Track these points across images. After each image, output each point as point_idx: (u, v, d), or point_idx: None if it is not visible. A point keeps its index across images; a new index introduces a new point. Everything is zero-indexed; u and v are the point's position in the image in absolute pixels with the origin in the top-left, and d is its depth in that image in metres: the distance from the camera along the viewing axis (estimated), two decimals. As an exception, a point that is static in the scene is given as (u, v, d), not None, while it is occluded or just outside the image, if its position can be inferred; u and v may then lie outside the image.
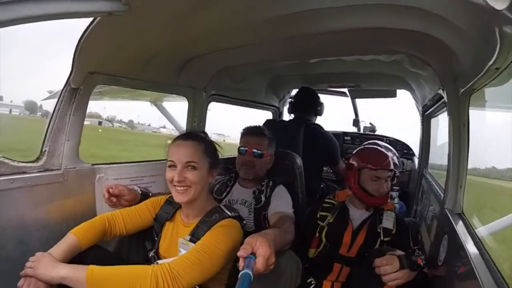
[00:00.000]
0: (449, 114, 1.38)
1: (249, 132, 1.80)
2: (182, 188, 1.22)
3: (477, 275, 0.82)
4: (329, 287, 1.55)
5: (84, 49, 1.24)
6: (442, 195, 1.52)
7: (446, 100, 1.42)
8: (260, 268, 0.95)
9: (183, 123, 2.33)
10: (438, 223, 1.49)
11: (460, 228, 1.16)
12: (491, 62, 0.86)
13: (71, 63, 1.32)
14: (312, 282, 1.54)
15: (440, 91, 1.53)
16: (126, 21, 1.10)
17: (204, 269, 1.10)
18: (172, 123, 2.90)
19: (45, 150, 1.39)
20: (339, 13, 1.25)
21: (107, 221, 1.31)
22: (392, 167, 1.61)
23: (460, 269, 0.98)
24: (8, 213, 1.26)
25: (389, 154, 1.66)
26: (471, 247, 0.98)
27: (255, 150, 1.72)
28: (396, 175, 1.62)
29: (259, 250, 0.97)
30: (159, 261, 1.23)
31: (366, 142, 1.79)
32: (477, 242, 1.03)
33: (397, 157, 1.69)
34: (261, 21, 1.32)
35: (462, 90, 1.27)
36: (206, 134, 1.39)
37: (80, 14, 0.99)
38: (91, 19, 1.10)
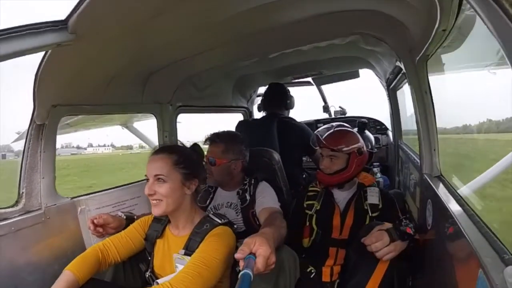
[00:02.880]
0: (410, 84, 1.54)
1: (207, 140, 1.90)
2: (155, 201, 1.31)
3: (464, 233, 0.91)
4: (329, 273, 1.64)
5: (43, 83, 1.32)
6: (419, 161, 1.68)
7: (404, 71, 1.58)
8: (260, 268, 1.00)
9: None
10: (420, 189, 1.63)
11: (441, 190, 1.28)
12: (436, 26, 1.01)
13: (32, 99, 1.41)
14: (312, 271, 1.61)
15: (398, 63, 1.70)
16: (78, 49, 1.20)
17: (204, 281, 1.17)
18: (146, 142, 2.99)
19: (22, 192, 1.45)
20: (289, 4, 1.39)
21: (100, 251, 1.37)
22: (333, 147, 1.73)
23: (448, 230, 1.07)
24: None
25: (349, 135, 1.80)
26: (454, 206, 1.09)
27: (209, 158, 1.82)
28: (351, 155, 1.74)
29: (259, 250, 1.02)
30: (159, 281, 1.31)
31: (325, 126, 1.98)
32: (459, 200, 1.14)
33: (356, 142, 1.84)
34: (216, 22, 1.45)
35: (417, 58, 1.41)
36: (183, 145, 1.48)
37: (29, 50, 1.08)
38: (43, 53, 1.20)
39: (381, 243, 1.29)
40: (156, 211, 1.32)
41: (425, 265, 1.36)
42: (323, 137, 1.79)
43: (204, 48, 1.80)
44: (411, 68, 1.53)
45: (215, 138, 1.87)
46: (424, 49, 1.30)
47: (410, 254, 1.35)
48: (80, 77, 1.48)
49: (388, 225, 1.38)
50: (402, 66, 1.62)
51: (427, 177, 1.50)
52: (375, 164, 2.80)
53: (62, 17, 1.06)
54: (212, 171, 1.83)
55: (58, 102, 1.52)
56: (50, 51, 1.17)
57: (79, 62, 1.37)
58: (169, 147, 1.41)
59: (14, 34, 1.00)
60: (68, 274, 1.24)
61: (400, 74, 2.00)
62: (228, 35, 1.69)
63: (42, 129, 1.52)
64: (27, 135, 1.48)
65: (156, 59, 1.77)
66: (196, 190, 1.39)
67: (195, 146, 1.51)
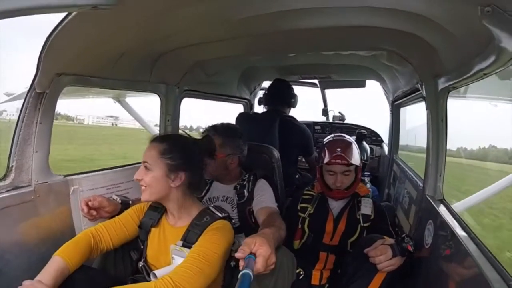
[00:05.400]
0: (427, 109, 1.52)
1: (205, 133, 1.78)
2: (142, 187, 1.27)
3: (470, 255, 0.95)
4: (319, 276, 1.65)
5: (52, 48, 1.16)
6: (418, 181, 1.70)
7: (424, 95, 1.55)
8: (260, 268, 0.99)
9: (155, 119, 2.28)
10: (419, 208, 1.66)
11: (443, 212, 1.31)
12: (481, 68, 0.97)
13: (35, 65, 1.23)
14: (301, 273, 1.62)
15: (418, 86, 1.66)
16: (104, 17, 1.05)
17: (205, 276, 1.13)
18: (138, 120, 2.81)
19: (12, 166, 1.28)
20: (320, 13, 1.30)
21: (92, 237, 1.27)
22: (350, 161, 1.68)
23: (448, 251, 1.13)
24: None
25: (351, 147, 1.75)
26: (458, 230, 1.13)
27: None
28: (358, 166, 1.73)
29: (260, 250, 1.02)
30: (156, 272, 1.22)
31: (329, 136, 1.93)
32: (462, 224, 1.19)
33: (358, 152, 1.82)
34: (240, 18, 1.33)
35: (442, 87, 1.39)
36: (185, 134, 1.39)
37: (58, 8, 0.91)
38: (62, 15, 1.03)
39: (385, 257, 1.32)
40: (142, 197, 1.28)
41: (421, 280, 1.39)
42: (333, 156, 1.69)
43: (219, 38, 1.67)
44: (432, 94, 1.50)
45: (213, 131, 1.76)
46: (453, 82, 1.27)
47: (404, 268, 1.38)
48: (91, 47, 1.31)
49: (390, 240, 1.39)
50: (423, 90, 1.58)
51: (429, 199, 1.51)
52: (366, 173, 2.81)
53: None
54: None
55: (63, 70, 1.35)
56: (74, 13, 0.99)
57: (94, 33, 1.20)
58: (164, 136, 1.33)
59: None
60: (58, 261, 1.14)
61: (413, 95, 1.97)
62: (246, 31, 1.57)
63: (42, 98, 1.34)
64: (23, 104, 1.30)
65: (169, 41, 1.62)
66: (190, 182, 1.29)
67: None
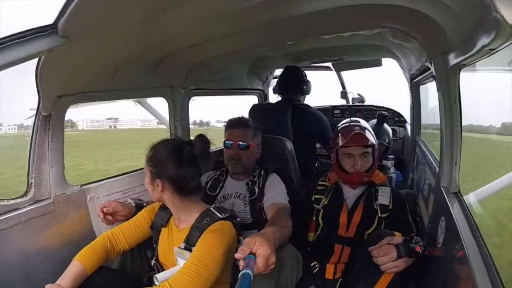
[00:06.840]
0: (439, 90, 1.37)
1: (233, 125, 1.83)
2: None
3: (470, 263, 0.88)
4: (333, 270, 1.60)
5: (44, 76, 1.23)
6: (437, 168, 1.57)
7: (434, 74, 1.42)
8: (260, 268, 1.00)
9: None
10: (435, 201, 1.54)
11: (456, 210, 1.20)
12: (485, 43, 0.86)
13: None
14: (316, 266, 1.59)
15: (428, 64, 1.52)
16: (76, 47, 1.09)
17: (204, 280, 1.17)
18: (161, 119, 2.93)
19: (31, 182, 1.43)
20: None
21: (109, 240, 1.38)
22: (367, 142, 1.63)
23: (456, 255, 1.03)
24: (9, 253, 1.33)
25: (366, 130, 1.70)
26: (466, 234, 1.03)
27: (240, 143, 1.76)
28: (374, 147, 1.67)
29: (259, 250, 1.02)
30: (158, 276, 1.29)
31: (343, 121, 1.84)
32: (472, 225, 1.08)
33: (373, 135, 1.75)
34: (236, 11, 1.30)
35: (451, 65, 1.26)
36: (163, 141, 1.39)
37: (17, 61, 0.98)
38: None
39: (388, 258, 1.26)
40: None
41: (429, 282, 1.31)
42: (351, 136, 1.64)
43: (219, 35, 1.64)
44: (442, 73, 1.34)
45: (246, 121, 1.84)
46: (462, 58, 1.12)
47: (414, 268, 1.31)
48: (84, 67, 1.36)
49: (398, 239, 1.31)
50: (432, 68, 1.42)
51: (444, 192, 1.38)
52: (390, 157, 2.65)
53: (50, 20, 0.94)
54: (241, 156, 1.78)
55: (64, 92, 1.43)
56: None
57: (81, 56, 1.24)
58: (154, 144, 1.37)
59: None
60: (77, 264, 1.26)
61: (427, 73, 1.78)
62: (244, 24, 1.53)
63: (49, 119, 1.45)
64: (33, 127, 1.42)
65: (166, 46, 1.63)
66: (176, 187, 1.30)
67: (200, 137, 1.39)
